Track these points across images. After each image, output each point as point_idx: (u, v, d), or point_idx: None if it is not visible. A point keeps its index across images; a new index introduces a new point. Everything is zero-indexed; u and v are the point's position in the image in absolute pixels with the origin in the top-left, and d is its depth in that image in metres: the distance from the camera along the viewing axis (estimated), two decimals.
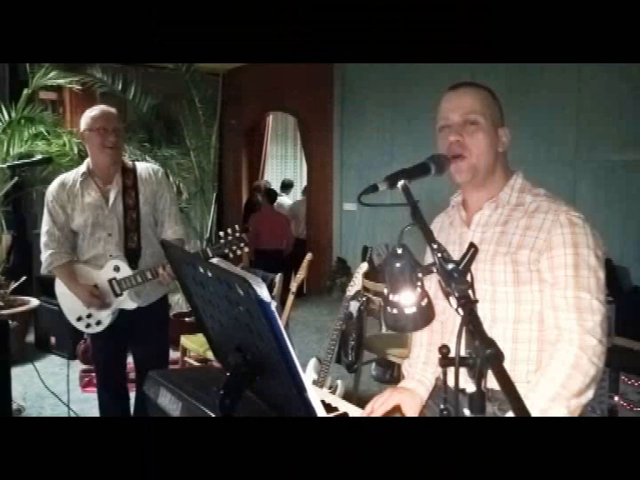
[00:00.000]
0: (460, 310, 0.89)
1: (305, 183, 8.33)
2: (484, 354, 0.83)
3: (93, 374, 3.44)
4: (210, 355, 3.30)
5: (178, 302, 5.28)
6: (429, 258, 1.43)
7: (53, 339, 4.79)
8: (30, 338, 5.03)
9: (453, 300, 0.92)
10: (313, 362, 3.08)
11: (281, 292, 3.55)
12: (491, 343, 0.83)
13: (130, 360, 2.81)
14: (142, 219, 2.58)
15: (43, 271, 2.61)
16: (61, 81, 5.33)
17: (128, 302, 2.55)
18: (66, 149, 5.17)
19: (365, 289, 3.53)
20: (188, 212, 5.64)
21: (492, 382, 0.83)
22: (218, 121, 5.90)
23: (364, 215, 6.39)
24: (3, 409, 2.72)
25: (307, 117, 7.35)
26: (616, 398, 2.65)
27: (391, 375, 4.08)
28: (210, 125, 5.64)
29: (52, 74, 5.19)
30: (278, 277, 3.49)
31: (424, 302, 1.07)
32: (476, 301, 0.91)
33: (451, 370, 0.90)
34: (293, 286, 3.31)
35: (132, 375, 2.91)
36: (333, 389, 3.00)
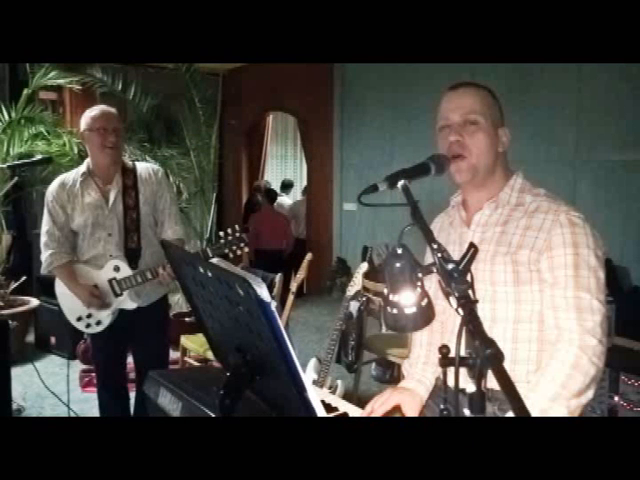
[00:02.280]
0: (460, 310, 0.89)
1: (305, 183, 8.33)
2: (484, 354, 0.83)
3: (93, 374, 3.44)
4: (210, 355, 3.30)
5: (178, 302, 5.28)
6: (429, 258, 1.43)
7: (53, 339, 4.78)
8: (30, 338, 5.03)
9: (453, 300, 0.92)
10: (313, 362, 3.08)
11: (281, 292, 3.55)
12: (491, 343, 0.83)
13: (130, 360, 2.82)
14: (142, 219, 2.58)
15: (43, 271, 2.61)
16: (61, 81, 5.32)
17: (128, 302, 2.55)
18: (66, 149, 5.17)
19: (365, 289, 3.52)
20: (188, 212, 5.64)
21: (492, 382, 0.83)
22: (218, 121, 5.90)
23: (364, 215, 6.39)
24: (3, 409, 2.72)
25: (307, 117, 7.35)
26: (616, 398, 2.65)
27: (391, 375, 4.08)
28: (210, 125, 5.63)
29: (52, 74, 5.19)
30: (278, 277, 3.49)
31: (424, 302, 1.07)
32: (476, 301, 0.91)
33: (451, 370, 0.91)
34: (293, 286, 3.31)
35: (132, 375, 2.91)
36: (333, 389, 2.99)
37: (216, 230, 5.25)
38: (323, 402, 1.63)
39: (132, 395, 2.83)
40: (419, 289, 1.06)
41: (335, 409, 1.67)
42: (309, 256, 3.30)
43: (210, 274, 1.09)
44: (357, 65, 6.38)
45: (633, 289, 4.09)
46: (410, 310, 1.07)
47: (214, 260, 1.58)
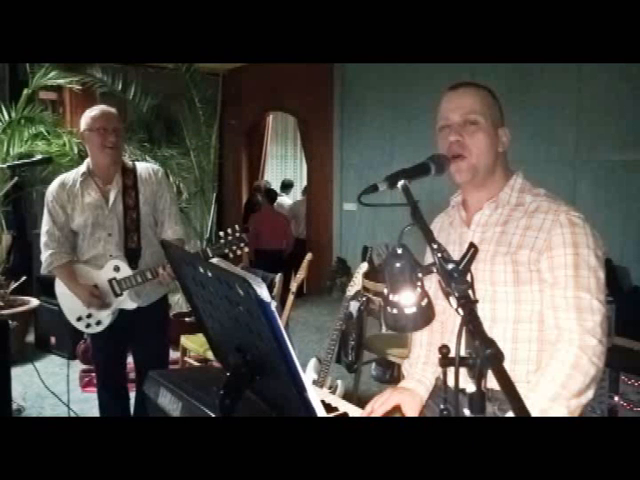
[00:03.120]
0: (460, 310, 0.89)
1: (305, 183, 8.33)
2: (484, 354, 0.83)
3: (93, 374, 3.44)
4: (210, 355, 3.30)
5: (178, 302, 5.28)
6: (429, 258, 1.43)
7: (53, 339, 4.78)
8: (30, 338, 5.03)
9: (453, 300, 0.91)
10: (313, 362, 3.08)
11: (281, 292, 3.55)
12: (491, 343, 0.83)
13: (130, 360, 2.82)
14: (142, 219, 2.58)
15: (43, 271, 2.61)
16: (61, 81, 5.32)
17: (128, 302, 2.55)
18: (66, 149, 5.17)
19: (365, 289, 3.52)
20: (188, 212, 5.64)
21: (492, 382, 0.83)
22: (218, 121, 5.90)
23: (364, 215, 6.39)
24: (3, 409, 2.72)
25: (307, 117, 7.35)
26: (616, 398, 2.65)
27: (391, 375, 4.08)
28: (210, 125, 5.63)
29: (52, 74, 5.19)
30: (278, 277, 3.49)
31: (424, 302, 1.07)
32: (476, 301, 0.91)
33: (451, 370, 0.91)
34: (293, 286, 3.31)
35: (132, 375, 2.91)
36: (333, 389, 2.99)
37: (216, 230, 5.25)
38: (323, 402, 1.63)
39: (132, 395, 2.83)
40: (419, 289, 1.06)
41: (335, 409, 1.67)
42: (309, 256, 3.30)
43: (210, 274, 1.09)
44: (357, 65, 6.38)
45: (633, 289, 4.09)
46: (410, 310, 1.07)
47: (214, 260, 1.58)
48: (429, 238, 1.01)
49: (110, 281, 2.52)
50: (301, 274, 3.30)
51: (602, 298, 1.30)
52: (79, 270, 2.57)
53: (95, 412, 2.85)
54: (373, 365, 4.17)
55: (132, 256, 2.56)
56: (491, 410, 1.33)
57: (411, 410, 1.51)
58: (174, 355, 3.75)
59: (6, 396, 2.75)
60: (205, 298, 1.22)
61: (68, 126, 5.92)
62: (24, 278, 4.96)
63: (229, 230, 2.49)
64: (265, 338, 0.99)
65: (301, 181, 9.67)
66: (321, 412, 1.02)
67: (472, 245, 0.98)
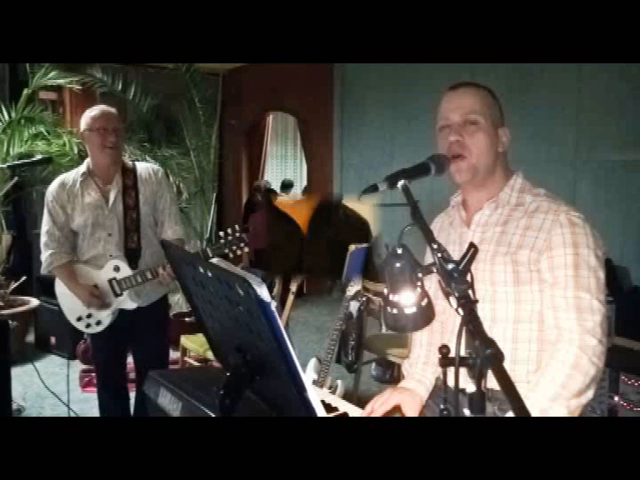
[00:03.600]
0: (460, 310, 0.90)
1: (305, 183, 8.33)
2: (484, 354, 0.83)
3: (93, 374, 3.44)
4: (210, 355, 3.30)
5: (178, 302, 5.28)
6: (429, 258, 1.43)
7: (53, 339, 4.78)
8: (30, 338, 5.03)
9: (453, 300, 0.92)
10: (313, 362, 3.08)
11: (281, 292, 3.55)
12: (491, 343, 0.83)
13: (130, 360, 2.82)
14: (142, 219, 2.58)
15: (43, 271, 2.61)
16: (61, 81, 5.32)
17: (128, 302, 2.55)
18: (66, 149, 5.16)
19: (365, 289, 3.53)
20: (188, 212, 5.63)
21: (492, 382, 0.83)
22: (218, 121, 5.90)
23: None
24: (3, 409, 2.72)
25: (307, 117, 7.35)
26: (616, 398, 2.65)
27: (391, 375, 4.08)
28: (210, 125, 5.63)
29: (52, 74, 5.18)
30: (278, 277, 3.49)
31: (424, 302, 1.07)
32: (476, 301, 0.91)
33: (451, 370, 0.91)
34: (293, 286, 3.31)
35: (132, 375, 2.91)
36: (333, 389, 2.99)
37: (216, 230, 5.25)
38: (323, 402, 1.63)
39: (132, 395, 2.83)
40: (419, 289, 1.06)
41: (335, 409, 1.67)
42: None
43: (210, 274, 1.09)
44: (357, 65, 6.37)
45: (633, 289, 4.09)
46: (410, 310, 1.07)
47: (214, 260, 1.58)
48: (429, 238, 1.01)
49: (110, 281, 2.52)
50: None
51: (602, 298, 1.30)
52: (79, 270, 2.57)
53: (95, 412, 2.85)
54: (373, 365, 4.17)
55: (132, 256, 2.57)
56: (491, 410, 1.33)
57: (411, 410, 1.51)
58: (174, 355, 3.75)
59: (6, 396, 2.75)
60: (205, 298, 1.22)
61: (68, 126, 5.92)
62: (24, 278, 4.96)
63: (229, 230, 2.49)
64: (265, 338, 0.99)
65: (301, 181, 9.66)
66: (321, 412, 1.02)
67: (472, 245, 0.98)
